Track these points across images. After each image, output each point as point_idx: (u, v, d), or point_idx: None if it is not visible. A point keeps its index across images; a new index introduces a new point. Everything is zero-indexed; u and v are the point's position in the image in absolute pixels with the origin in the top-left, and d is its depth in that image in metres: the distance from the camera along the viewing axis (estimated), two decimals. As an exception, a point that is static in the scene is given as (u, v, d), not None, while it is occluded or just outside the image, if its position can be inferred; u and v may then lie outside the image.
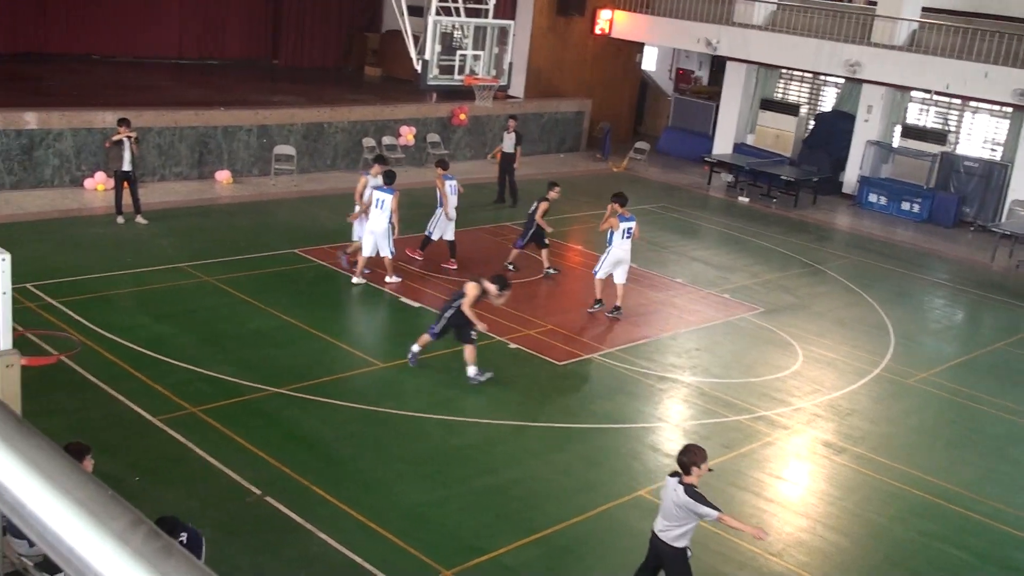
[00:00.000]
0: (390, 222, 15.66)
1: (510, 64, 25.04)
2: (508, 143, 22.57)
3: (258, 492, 9.67)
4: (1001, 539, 10.62)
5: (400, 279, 16.07)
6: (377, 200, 15.67)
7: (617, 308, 15.85)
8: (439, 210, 17.22)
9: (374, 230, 15.71)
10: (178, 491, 9.58)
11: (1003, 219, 24.19)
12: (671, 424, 12.54)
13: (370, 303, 15.60)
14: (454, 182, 17.49)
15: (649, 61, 32.73)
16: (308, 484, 9.94)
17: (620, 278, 15.75)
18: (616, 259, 15.58)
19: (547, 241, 17.64)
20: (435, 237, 17.24)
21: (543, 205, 17.38)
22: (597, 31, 30.39)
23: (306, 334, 13.80)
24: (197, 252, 16.60)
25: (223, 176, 21.44)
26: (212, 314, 14.20)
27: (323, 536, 9.07)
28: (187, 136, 21.09)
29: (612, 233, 15.57)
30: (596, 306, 15.97)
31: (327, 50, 31.37)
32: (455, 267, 17.11)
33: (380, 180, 16.37)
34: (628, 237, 15.57)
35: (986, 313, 19.37)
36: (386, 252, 15.82)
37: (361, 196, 16.45)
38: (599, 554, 9.51)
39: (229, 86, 25.90)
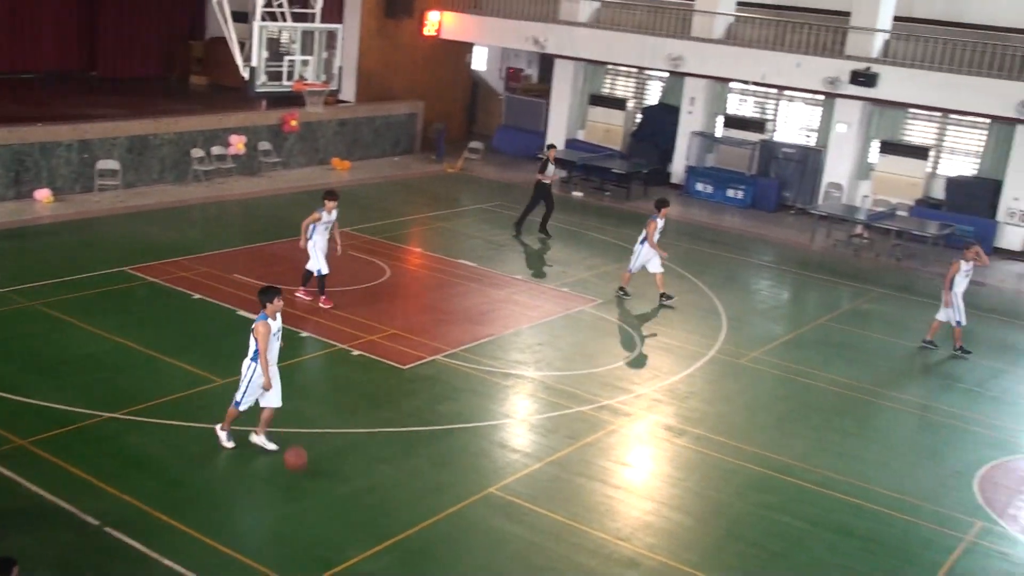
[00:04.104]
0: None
1: (340, 68, 24.79)
2: (551, 171, 21.43)
3: (96, 523, 9.32)
4: (834, 505, 11.22)
5: None
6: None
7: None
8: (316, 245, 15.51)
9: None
10: (11, 531, 9.13)
11: (820, 201, 25.51)
12: (517, 420, 12.73)
13: (205, 319, 15.18)
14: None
15: (480, 61, 32.97)
16: (151, 511, 9.64)
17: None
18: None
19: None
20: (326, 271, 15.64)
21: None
22: (427, 33, 30.43)
23: (141, 355, 13.36)
24: (17, 276, 15.81)
25: (42, 195, 20.49)
26: (38, 340, 13.57)
27: (170, 563, 8.82)
28: (1, 154, 20.06)
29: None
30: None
31: (148, 59, 30.34)
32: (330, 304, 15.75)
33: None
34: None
35: (809, 291, 20.39)
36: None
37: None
38: (454, 554, 9.58)
39: (45, 100, 24.79)
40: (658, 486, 11.40)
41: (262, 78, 23.41)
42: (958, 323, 16.36)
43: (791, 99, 27.63)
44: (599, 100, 29.90)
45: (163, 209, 20.95)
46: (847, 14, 25.16)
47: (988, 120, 24.18)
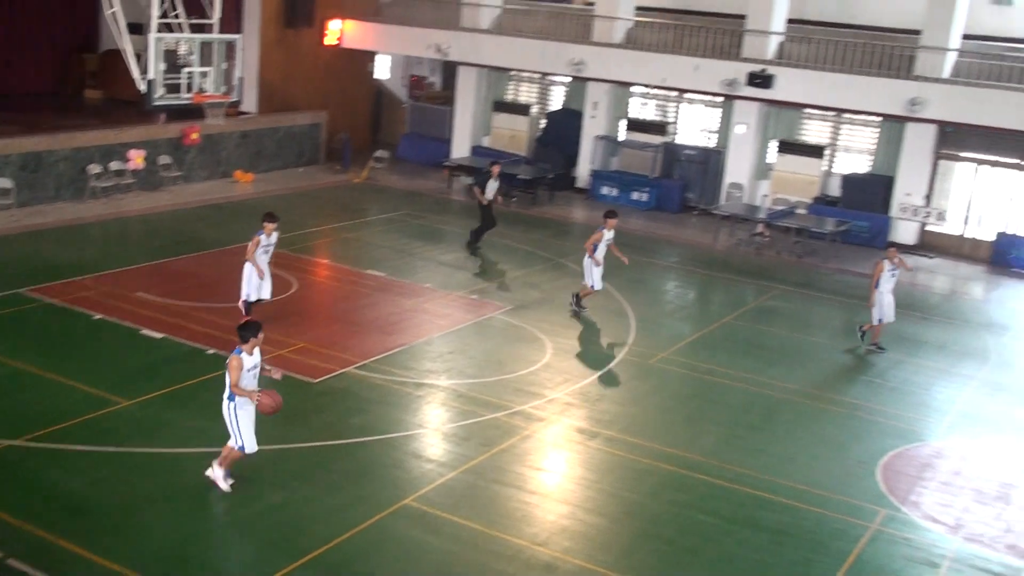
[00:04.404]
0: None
1: (240, 79, 24.48)
2: (492, 188, 21.05)
3: (-1, 555, 9.04)
4: (745, 500, 11.45)
5: None
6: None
7: None
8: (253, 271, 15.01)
9: None
10: (-94, 566, 8.81)
11: (722, 202, 26.03)
12: (431, 429, 12.71)
13: (108, 339, 14.81)
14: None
15: (383, 69, 32.85)
16: (55, 539, 9.37)
17: None
18: None
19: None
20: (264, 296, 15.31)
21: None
22: (328, 42, 30.18)
23: (40, 379, 12.98)
24: (-93, 302, 15.26)
25: (-69, 216, 19.79)
26: (-70, 368, 13.11)
27: (77, 591, 8.60)
28: None
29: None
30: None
31: (40, 74, 29.44)
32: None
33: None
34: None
35: (714, 291, 20.78)
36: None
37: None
38: (372, 567, 9.53)
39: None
40: (573, 489, 11.50)
41: (160, 91, 23.00)
42: (880, 320, 16.89)
43: (691, 101, 28.13)
44: (503, 106, 30.05)
45: (60, 227, 20.38)
46: (743, 17, 25.75)
47: (879, 118, 24.98)
